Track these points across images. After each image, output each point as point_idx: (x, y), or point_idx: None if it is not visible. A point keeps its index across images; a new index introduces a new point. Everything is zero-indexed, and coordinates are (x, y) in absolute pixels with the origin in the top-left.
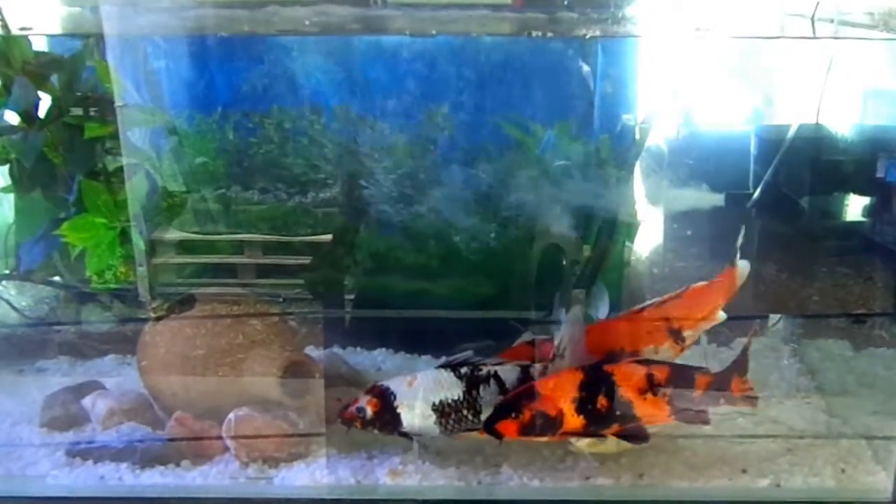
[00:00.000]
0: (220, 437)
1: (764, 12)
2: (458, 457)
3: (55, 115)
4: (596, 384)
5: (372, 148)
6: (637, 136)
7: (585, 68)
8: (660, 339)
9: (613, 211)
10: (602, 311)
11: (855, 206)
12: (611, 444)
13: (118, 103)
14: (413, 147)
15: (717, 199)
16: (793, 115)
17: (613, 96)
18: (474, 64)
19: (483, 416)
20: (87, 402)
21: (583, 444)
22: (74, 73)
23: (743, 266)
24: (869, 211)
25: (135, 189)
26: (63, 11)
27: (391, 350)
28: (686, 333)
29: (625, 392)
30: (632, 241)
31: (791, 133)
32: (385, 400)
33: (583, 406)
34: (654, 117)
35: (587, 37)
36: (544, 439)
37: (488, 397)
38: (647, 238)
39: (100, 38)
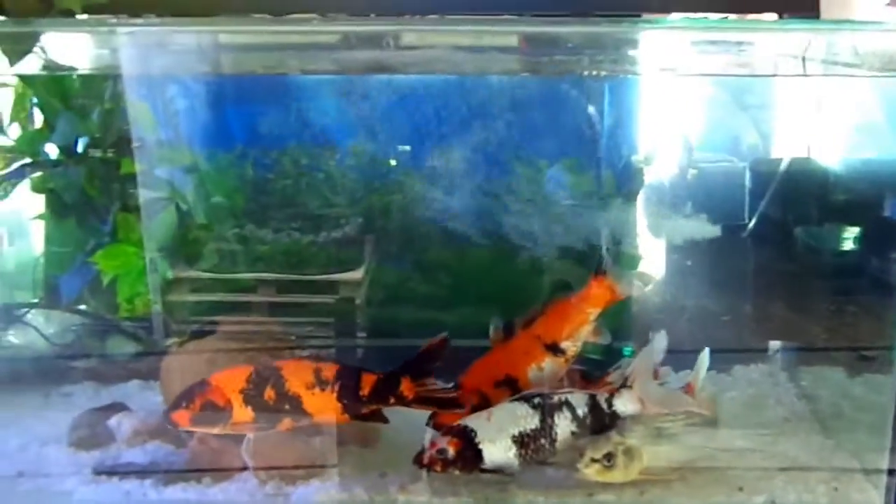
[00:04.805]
0: (239, 459)
1: (759, 53)
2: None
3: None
4: (264, 378)
5: (381, 185)
6: (638, 172)
7: (590, 108)
8: (538, 356)
9: (617, 244)
10: None
11: (848, 238)
12: (618, 473)
13: (140, 141)
14: (421, 183)
15: (715, 231)
16: (785, 150)
17: (616, 133)
18: (484, 104)
19: (559, 444)
20: (112, 422)
21: (591, 471)
22: (114, 111)
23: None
24: (864, 242)
25: (164, 223)
26: (92, 52)
27: None
28: (564, 345)
29: (292, 386)
30: (634, 273)
31: (783, 166)
32: (466, 438)
33: (251, 398)
34: (654, 153)
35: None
36: (216, 430)
37: (563, 424)
38: (649, 269)
39: (134, 78)
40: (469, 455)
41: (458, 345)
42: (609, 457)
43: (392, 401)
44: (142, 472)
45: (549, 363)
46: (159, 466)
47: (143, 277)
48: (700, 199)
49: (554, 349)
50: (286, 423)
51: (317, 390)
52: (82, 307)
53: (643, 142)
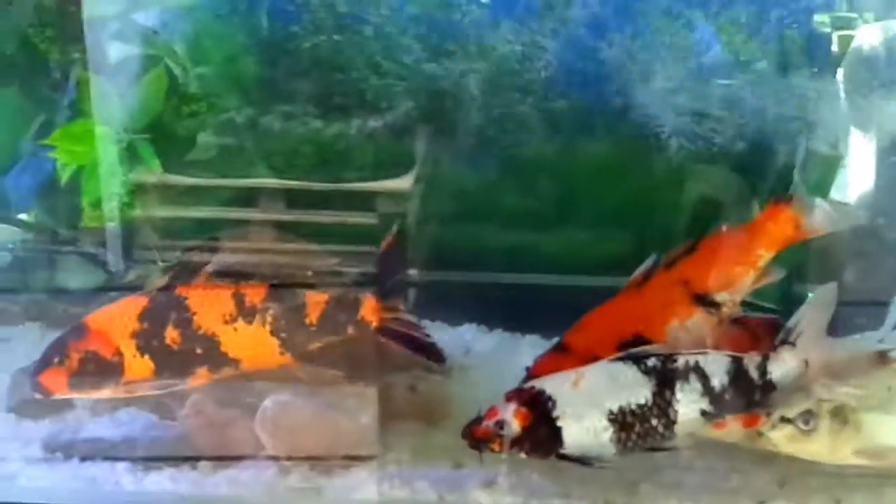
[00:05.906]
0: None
1: None
2: (576, 469)
3: None
4: (163, 313)
5: (454, 45)
6: (839, 32)
7: None
8: (683, 311)
9: (803, 142)
10: None
11: None
12: (820, 445)
13: None
14: (510, 43)
15: None
16: None
17: None
18: None
19: (680, 427)
20: None
21: (780, 435)
22: None
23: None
24: None
25: (149, 91)
26: None
27: (484, 326)
28: (720, 297)
29: (204, 322)
30: (830, 185)
31: None
32: (540, 408)
33: (147, 343)
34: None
35: None
36: (105, 393)
37: (688, 399)
38: (853, 180)
39: None
40: (542, 434)
41: (562, 285)
42: (808, 417)
43: (350, 331)
44: (113, 452)
45: (696, 321)
46: (137, 445)
47: (119, 171)
48: None
49: (705, 302)
50: (201, 374)
51: (240, 324)
52: (22, 217)
53: None
